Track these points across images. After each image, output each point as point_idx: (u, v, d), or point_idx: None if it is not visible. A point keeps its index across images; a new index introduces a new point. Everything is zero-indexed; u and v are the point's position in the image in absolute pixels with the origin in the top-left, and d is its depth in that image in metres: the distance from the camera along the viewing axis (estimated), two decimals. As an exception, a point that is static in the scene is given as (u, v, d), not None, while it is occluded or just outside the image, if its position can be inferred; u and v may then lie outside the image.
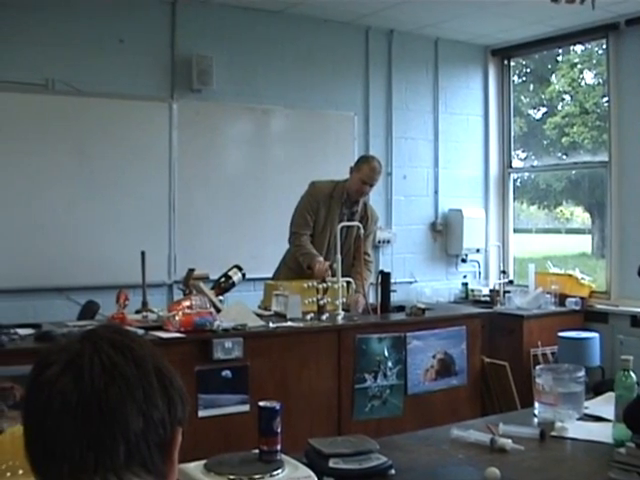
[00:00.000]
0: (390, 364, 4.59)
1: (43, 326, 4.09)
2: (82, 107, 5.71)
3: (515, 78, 8.06)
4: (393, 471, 2.20)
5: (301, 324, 4.45)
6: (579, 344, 6.16)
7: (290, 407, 3.97)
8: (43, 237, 5.57)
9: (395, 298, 5.30)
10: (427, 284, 7.39)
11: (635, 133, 6.54)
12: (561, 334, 6.22)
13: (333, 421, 4.41)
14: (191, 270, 4.68)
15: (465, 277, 7.64)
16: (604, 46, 6.94)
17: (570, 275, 6.93)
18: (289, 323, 4.43)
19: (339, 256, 4.80)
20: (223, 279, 4.76)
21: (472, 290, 7.46)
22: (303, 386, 4.31)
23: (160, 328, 4.08)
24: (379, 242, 7.03)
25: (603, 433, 2.52)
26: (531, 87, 8.35)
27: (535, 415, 2.78)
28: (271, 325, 4.33)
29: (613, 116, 6.73)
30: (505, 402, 5.26)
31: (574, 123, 7.53)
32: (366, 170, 5.19)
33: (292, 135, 6.67)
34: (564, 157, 7.70)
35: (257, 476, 1.97)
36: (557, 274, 7.00)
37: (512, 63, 7.92)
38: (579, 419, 2.72)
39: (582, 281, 6.87)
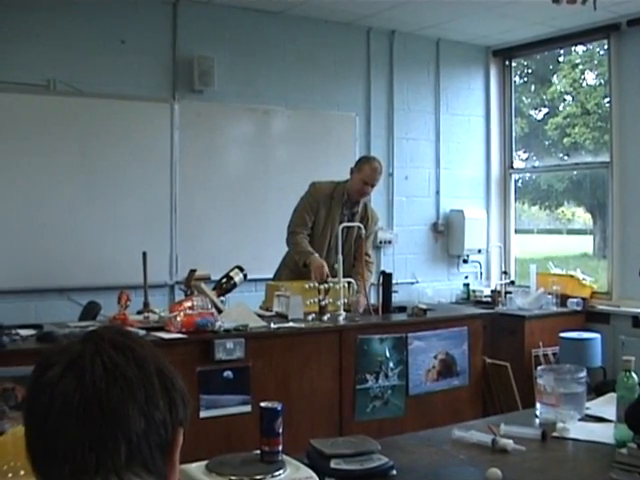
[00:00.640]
0: (391, 365, 4.59)
1: (44, 327, 4.10)
2: (83, 108, 5.71)
3: (516, 79, 8.06)
4: (394, 472, 2.20)
5: (302, 325, 4.45)
6: (580, 345, 6.16)
7: (291, 408, 3.97)
8: (45, 238, 5.57)
9: (396, 299, 5.30)
10: (428, 285, 7.39)
11: (636, 134, 6.54)
12: (562, 335, 6.22)
13: (334, 422, 4.41)
14: (192, 271, 4.68)
15: (466, 278, 7.64)
16: (605, 47, 6.94)
17: (571, 276, 6.93)
18: (290, 324, 4.43)
19: (340, 257, 4.79)
20: (224, 280, 4.76)
21: (473, 291, 7.46)
22: (304, 387, 4.31)
23: (161, 329, 4.08)
24: (380, 243, 7.03)
25: (604, 434, 2.52)
26: (532, 88, 8.35)
27: (536, 416, 2.78)
28: (272, 326, 4.33)
29: (614, 117, 6.73)
30: (506, 403, 5.25)
31: (575, 124, 7.52)
32: (367, 170, 5.19)
33: (293, 136, 6.67)
34: (565, 158, 7.70)
35: (258, 477, 1.97)
36: (558, 275, 7.00)
37: (513, 64, 7.92)
38: (580, 420, 2.71)
39: (583, 282, 6.87)
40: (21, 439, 1.13)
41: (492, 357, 5.45)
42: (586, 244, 8.13)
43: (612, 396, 2.64)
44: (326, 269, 4.87)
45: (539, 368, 2.93)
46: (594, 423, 2.69)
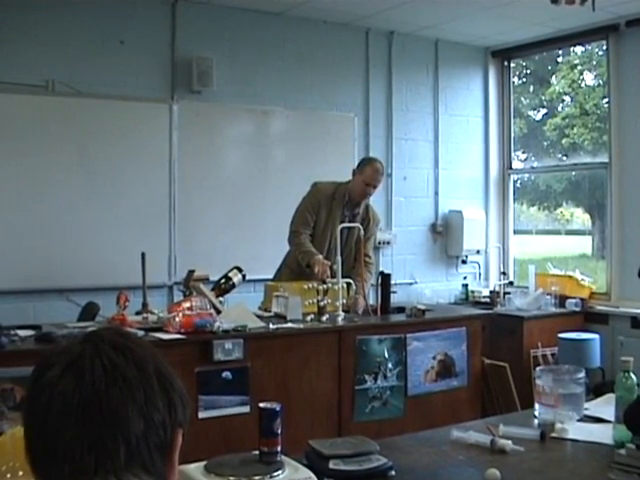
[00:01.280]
0: (390, 365, 4.59)
1: (43, 327, 4.10)
2: (82, 108, 5.71)
3: (515, 79, 8.06)
4: (393, 472, 2.20)
5: (301, 325, 4.45)
6: (579, 345, 6.16)
7: (290, 408, 3.97)
8: (43, 238, 5.57)
9: (395, 299, 5.30)
10: (427, 285, 7.39)
11: (635, 134, 6.54)
12: (561, 335, 6.22)
13: (333, 422, 4.41)
14: (191, 271, 4.68)
15: (465, 278, 7.64)
16: (604, 47, 6.94)
17: (570, 276, 6.93)
18: (289, 324, 4.44)
19: (339, 257, 4.79)
20: (223, 280, 4.76)
21: (472, 291, 7.46)
22: (303, 387, 4.31)
23: (160, 329, 4.09)
24: (379, 243, 7.03)
25: (603, 434, 2.52)
26: (531, 88, 8.35)
27: (535, 416, 2.78)
28: (271, 326, 4.34)
29: (613, 117, 6.73)
30: (505, 403, 5.26)
31: (574, 124, 7.53)
32: (369, 172, 5.18)
33: (292, 136, 6.67)
34: (564, 158, 7.70)
35: (257, 477, 1.98)
36: (557, 275, 7.00)
37: (512, 64, 7.92)
38: (579, 420, 2.71)
39: (582, 282, 6.87)
40: (20, 440, 1.13)
41: (491, 358, 5.45)
42: (585, 245, 8.13)
43: (611, 397, 2.64)
44: (328, 270, 4.87)
45: (538, 369, 2.92)
46: (593, 424, 2.70)
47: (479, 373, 5.10)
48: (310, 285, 4.78)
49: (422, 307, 4.98)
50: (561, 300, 6.69)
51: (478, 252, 7.63)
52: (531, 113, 8.28)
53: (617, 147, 6.70)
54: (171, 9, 6.12)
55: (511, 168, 7.91)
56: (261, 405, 2.13)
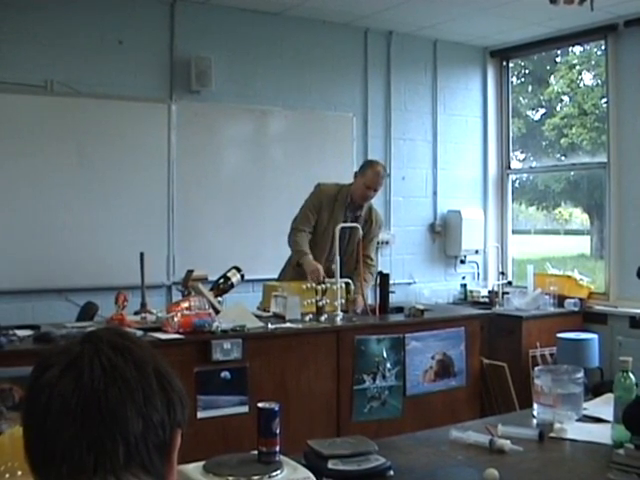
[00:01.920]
0: (389, 365, 4.60)
1: (42, 327, 4.10)
2: (81, 108, 5.71)
3: (514, 79, 8.07)
4: (392, 472, 2.20)
5: (300, 325, 4.45)
6: (578, 345, 6.16)
7: (289, 408, 3.97)
8: (42, 238, 5.56)
9: (394, 299, 5.30)
10: (426, 285, 7.39)
11: (634, 134, 6.54)
12: (560, 335, 6.22)
13: (332, 422, 4.41)
14: (190, 271, 4.68)
15: (464, 278, 7.64)
16: (603, 47, 6.94)
17: (569, 276, 6.93)
18: (288, 324, 4.44)
19: (337, 257, 4.80)
20: (222, 280, 4.76)
21: (471, 291, 7.46)
22: (302, 387, 4.32)
23: (159, 329, 4.09)
24: (378, 243, 7.02)
25: (602, 434, 2.52)
26: (530, 88, 8.36)
27: (534, 416, 2.78)
28: (270, 326, 4.34)
29: (612, 117, 6.73)
30: (504, 403, 5.26)
31: (573, 124, 7.53)
32: (370, 175, 5.18)
33: (291, 136, 6.67)
34: (563, 158, 7.70)
35: (256, 477, 1.97)
36: (556, 275, 6.99)
37: (511, 64, 7.92)
38: (578, 420, 2.71)
39: (581, 282, 6.87)
40: (18, 440, 1.13)
41: (489, 358, 5.46)
42: (583, 245, 8.13)
43: (609, 397, 2.64)
44: (321, 272, 4.87)
45: (536, 369, 2.92)
46: (591, 424, 2.70)
47: (478, 373, 5.10)
48: (309, 285, 4.78)
49: (421, 307, 4.98)
50: (560, 300, 6.70)
51: (477, 252, 7.63)
52: (530, 113, 8.28)
53: (616, 147, 6.70)
54: (170, 9, 6.12)
55: (510, 168, 7.91)
56: (260, 405, 2.13)
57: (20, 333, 3.88)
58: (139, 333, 3.79)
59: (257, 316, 4.54)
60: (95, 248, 5.73)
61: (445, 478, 2.26)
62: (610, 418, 2.52)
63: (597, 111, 7.30)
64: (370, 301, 5.13)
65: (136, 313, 4.54)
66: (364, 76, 7.11)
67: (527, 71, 8.32)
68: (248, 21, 6.44)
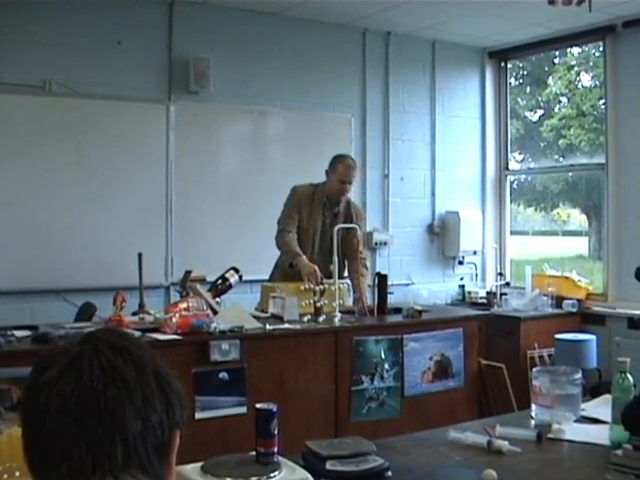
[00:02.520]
0: (387, 366, 4.59)
1: (40, 328, 4.09)
2: (79, 109, 5.71)
3: (512, 80, 8.07)
4: (390, 473, 2.20)
5: (298, 326, 4.45)
6: (576, 346, 6.16)
7: (287, 409, 3.96)
8: (40, 239, 5.56)
9: (392, 300, 5.29)
10: (424, 286, 7.39)
11: (632, 135, 6.55)
12: (558, 336, 6.22)
13: (330, 423, 4.41)
14: (188, 272, 4.68)
15: (462, 279, 7.64)
16: (601, 48, 6.95)
17: (567, 277, 6.93)
18: (286, 325, 4.43)
19: (335, 258, 4.80)
20: (220, 281, 4.76)
21: (469, 292, 7.46)
22: (300, 388, 4.31)
23: (157, 330, 4.08)
24: (376, 244, 7.04)
25: (600, 435, 2.52)
26: (528, 89, 8.36)
27: (532, 417, 2.78)
28: (268, 327, 4.33)
29: (610, 118, 6.74)
30: (502, 404, 5.26)
31: (571, 125, 7.54)
32: (341, 169, 5.23)
33: (289, 137, 6.67)
34: (561, 159, 7.71)
35: (254, 478, 1.98)
36: (554, 276, 7.00)
37: (509, 65, 7.93)
38: (576, 421, 2.72)
39: (579, 283, 6.87)
40: (17, 440, 1.14)
41: (488, 358, 5.45)
42: (581, 245, 8.14)
43: (607, 397, 2.64)
44: (318, 273, 4.88)
45: (534, 369, 2.93)
46: (589, 424, 2.70)
47: (476, 374, 5.10)
48: (307, 286, 4.78)
49: (419, 308, 4.98)
50: (558, 301, 6.70)
51: (475, 253, 7.63)
52: (528, 114, 8.29)
53: (614, 148, 6.71)
54: (168, 9, 6.12)
55: (508, 169, 7.91)
56: (258, 406, 2.13)
57: (18, 333, 3.87)
58: (137, 334, 3.78)
59: (255, 317, 4.53)
60: (93, 248, 5.73)
61: (443, 479, 2.26)
62: (608, 419, 2.52)
63: (595, 112, 7.30)
64: (368, 302, 5.13)
65: (134, 314, 4.54)
66: (362, 77, 7.11)
67: (525, 72, 8.33)
68: (246, 22, 6.44)
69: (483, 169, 7.84)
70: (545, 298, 6.68)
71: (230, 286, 4.76)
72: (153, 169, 6.02)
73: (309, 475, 2.03)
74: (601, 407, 2.78)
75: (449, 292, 7.56)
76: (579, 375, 2.86)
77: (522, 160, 8.19)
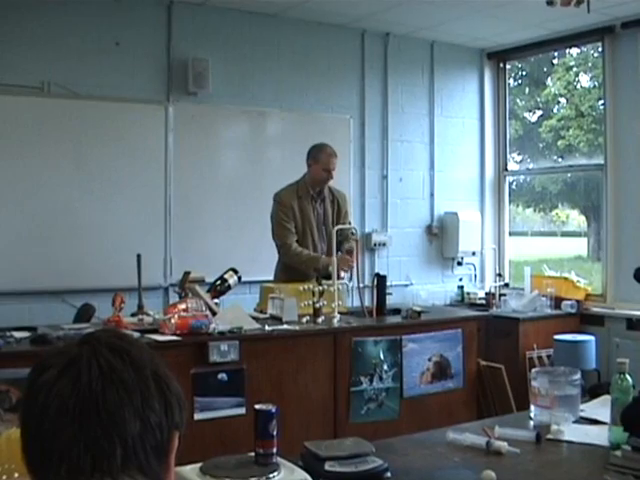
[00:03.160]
0: (386, 367, 4.59)
1: (39, 329, 4.09)
2: (78, 110, 5.71)
3: (511, 81, 8.07)
4: (389, 474, 2.20)
5: (297, 327, 4.45)
6: (575, 347, 6.16)
7: (286, 410, 3.96)
8: (39, 240, 5.56)
9: (391, 301, 5.30)
10: (423, 287, 7.39)
11: (631, 136, 6.55)
12: (557, 337, 6.22)
13: (329, 424, 4.41)
14: (187, 273, 4.67)
15: (461, 280, 7.64)
16: (600, 49, 6.95)
17: (566, 278, 6.93)
18: (285, 326, 4.43)
19: (334, 258, 4.80)
20: (219, 282, 4.76)
21: (468, 293, 7.46)
22: (299, 389, 4.31)
23: (156, 331, 4.08)
24: (374, 245, 7.05)
25: (599, 436, 2.52)
26: (527, 90, 8.36)
27: (531, 418, 2.78)
28: (267, 328, 4.33)
29: (609, 119, 6.74)
30: (501, 405, 5.26)
31: (570, 126, 7.54)
32: (324, 158, 5.32)
33: (288, 138, 6.66)
34: (560, 160, 7.71)
35: (253, 479, 1.97)
36: (553, 277, 7.00)
37: (508, 66, 7.93)
38: (575, 422, 2.72)
39: (578, 284, 6.87)
40: (15, 441, 1.14)
41: (486, 359, 5.45)
42: (580, 246, 8.15)
43: (606, 398, 2.64)
44: (346, 256, 5.10)
45: (533, 370, 2.93)
46: (588, 425, 2.70)
47: (475, 375, 5.10)
48: (306, 287, 4.78)
49: (418, 309, 4.98)
50: (557, 302, 6.70)
51: (474, 254, 7.63)
52: (527, 115, 8.29)
53: (612, 149, 6.71)
54: (167, 11, 6.12)
55: (506, 170, 7.91)
56: (257, 407, 2.13)
57: (17, 335, 3.87)
58: (136, 335, 3.78)
59: (254, 318, 4.54)
60: (92, 250, 5.73)
61: (442, 480, 2.26)
62: (607, 420, 2.52)
63: (594, 113, 7.30)
64: (367, 303, 5.13)
65: (133, 315, 4.54)
66: (361, 78, 7.11)
67: (524, 73, 8.33)
68: (245, 23, 6.44)
69: (482, 170, 7.84)
70: (544, 299, 6.68)
71: (229, 287, 4.76)
72: (152, 170, 6.02)
73: (308, 476, 2.03)
74: (600, 408, 2.78)
75: (448, 293, 7.56)
76: (578, 376, 2.85)
77: (521, 161, 8.20)
